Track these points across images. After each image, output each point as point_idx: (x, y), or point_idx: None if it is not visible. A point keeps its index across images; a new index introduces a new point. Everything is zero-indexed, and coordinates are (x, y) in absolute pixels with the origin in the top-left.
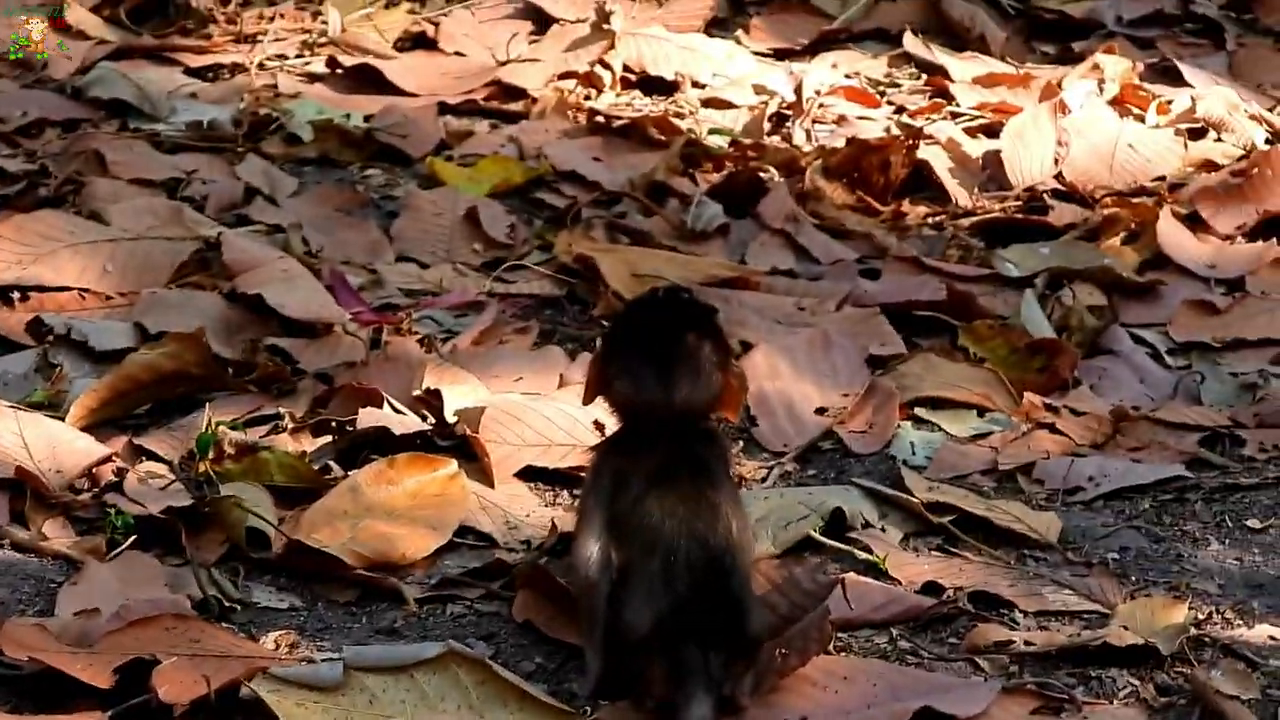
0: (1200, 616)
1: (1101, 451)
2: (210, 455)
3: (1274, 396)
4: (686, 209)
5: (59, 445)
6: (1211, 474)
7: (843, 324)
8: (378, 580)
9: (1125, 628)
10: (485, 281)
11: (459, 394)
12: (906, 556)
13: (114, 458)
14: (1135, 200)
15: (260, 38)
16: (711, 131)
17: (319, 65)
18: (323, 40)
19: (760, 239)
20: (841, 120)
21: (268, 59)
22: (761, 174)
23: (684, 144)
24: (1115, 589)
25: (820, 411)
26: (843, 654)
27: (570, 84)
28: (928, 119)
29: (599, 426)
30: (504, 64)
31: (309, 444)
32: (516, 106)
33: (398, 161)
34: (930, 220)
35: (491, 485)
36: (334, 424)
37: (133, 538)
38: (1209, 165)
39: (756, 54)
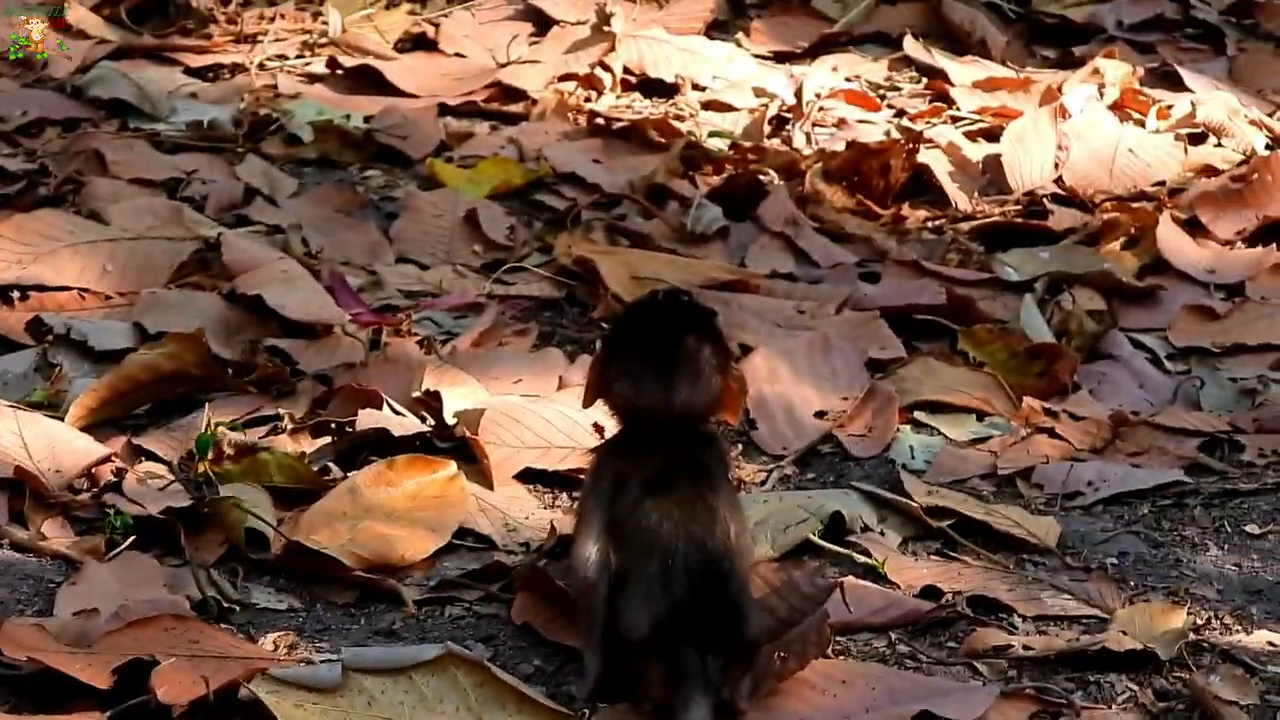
0: (1199, 622)
1: (1101, 456)
2: (209, 456)
3: (1273, 402)
4: (686, 211)
5: (58, 445)
6: (1211, 479)
7: (842, 327)
8: (377, 582)
9: (1124, 633)
10: (485, 283)
11: (458, 396)
12: (905, 560)
13: (113, 458)
14: (1135, 205)
15: (260, 38)
16: (711, 134)
17: (319, 66)
18: (323, 41)
19: (760, 242)
20: (842, 123)
21: (268, 59)
22: (761, 177)
23: (684, 146)
24: (1114, 594)
25: (820, 415)
26: (841, 658)
27: (570, 86)
28: (928, 123)
29: (598, 429)
30: (504, 65)
31: (308, 445)
32: (517, 108)
33: (398, 163)
34: (930, 224)
35: (491, 487)
36: (333, 425)
37: (132, 538)
38: (1209, 170)
39: (757, 57)
